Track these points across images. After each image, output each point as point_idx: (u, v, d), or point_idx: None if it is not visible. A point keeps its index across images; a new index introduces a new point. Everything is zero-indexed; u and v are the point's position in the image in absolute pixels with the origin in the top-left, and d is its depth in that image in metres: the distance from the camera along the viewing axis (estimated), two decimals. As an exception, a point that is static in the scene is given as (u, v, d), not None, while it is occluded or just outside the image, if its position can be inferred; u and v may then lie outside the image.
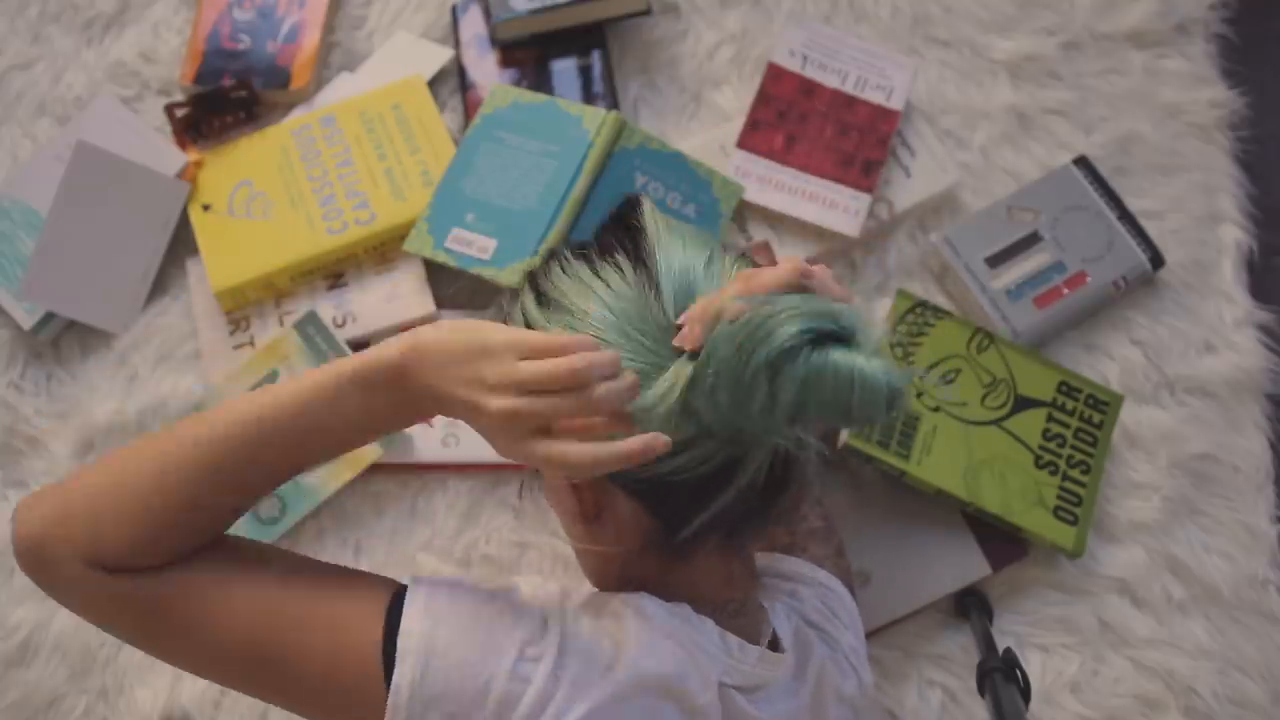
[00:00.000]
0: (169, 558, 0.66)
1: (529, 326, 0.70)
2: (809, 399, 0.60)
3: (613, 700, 0.64)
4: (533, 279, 0.73)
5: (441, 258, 1.07)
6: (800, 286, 0.65)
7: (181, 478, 0.66)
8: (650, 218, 0.71)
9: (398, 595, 0.66)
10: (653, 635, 0.67)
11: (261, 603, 0.66)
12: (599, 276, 0.69)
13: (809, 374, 0.59)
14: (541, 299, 0.71)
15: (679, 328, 0.65)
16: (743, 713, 0.70)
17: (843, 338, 0.61)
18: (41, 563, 0.66)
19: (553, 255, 0.73)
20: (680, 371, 0.64)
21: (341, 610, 0.66)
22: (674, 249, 0.69)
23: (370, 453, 1.05)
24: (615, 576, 0.74)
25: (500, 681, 0.62)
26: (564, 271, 0.71)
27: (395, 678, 0.62)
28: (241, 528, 1.05)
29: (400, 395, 0.65)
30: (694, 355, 0.64)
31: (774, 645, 0.76)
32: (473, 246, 1.06)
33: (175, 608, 0.66)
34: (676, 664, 0.66)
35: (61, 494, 0.67)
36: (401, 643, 0.63)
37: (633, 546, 0.71)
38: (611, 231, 0.72)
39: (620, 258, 0.69)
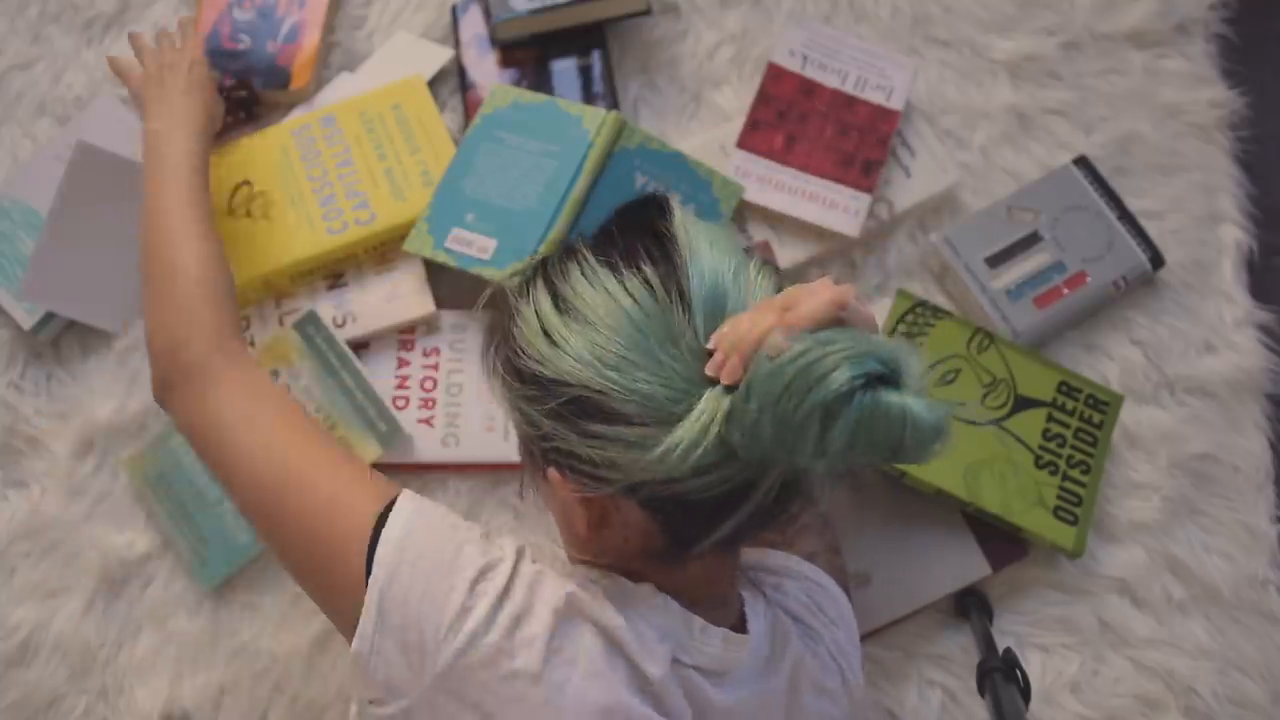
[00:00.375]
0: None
1: (544, 330, 0.67)
2: (860, 440, 0.60)
3: (564, 626, 0.68)
4: (547, 276, 0.70)
5: (441, 258, 1.07)
6: (837, 319, 0.64)
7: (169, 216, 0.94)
8: (681, 227, 0.69)
9: (391, 501, 0.74)
10: (606, 604, 0.70)
11: (293, 432, 0.80)
12: (625, 289, 0.66)
13: (863, 417, 0.59)
14: (560, 303, 0.68)
15: (709, 352, 0.64)
16: (703, 695, 0.70)
17: (892, 380, 0.61)
18: (164, 382, 0.87)
19: (571, 253, 0.70)
20: (717, 404, 0.63)
21: (349, 491, 0.75)
22: (704, 260, 0.67)
23: (370, 452, 1.05)
24: (601, 569, 0.74)
25: (457, 597, 0.68)
26: (585, 277, 0.68)
27: (371, 577, 0.70)
28: (242, 532, 1.05)
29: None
30: (730, 388, 0.63)
31: (743, 630, 0.76)
32: (473, 246, 1.06)
33: (234, 401, 0.82)
34: (614, 631, 0.69)
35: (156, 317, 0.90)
36: (380, 548, 0.70)
37: (633, 551, 0.71)
38: (636, 233, 0.69)
39: (647, 268, 0.66)
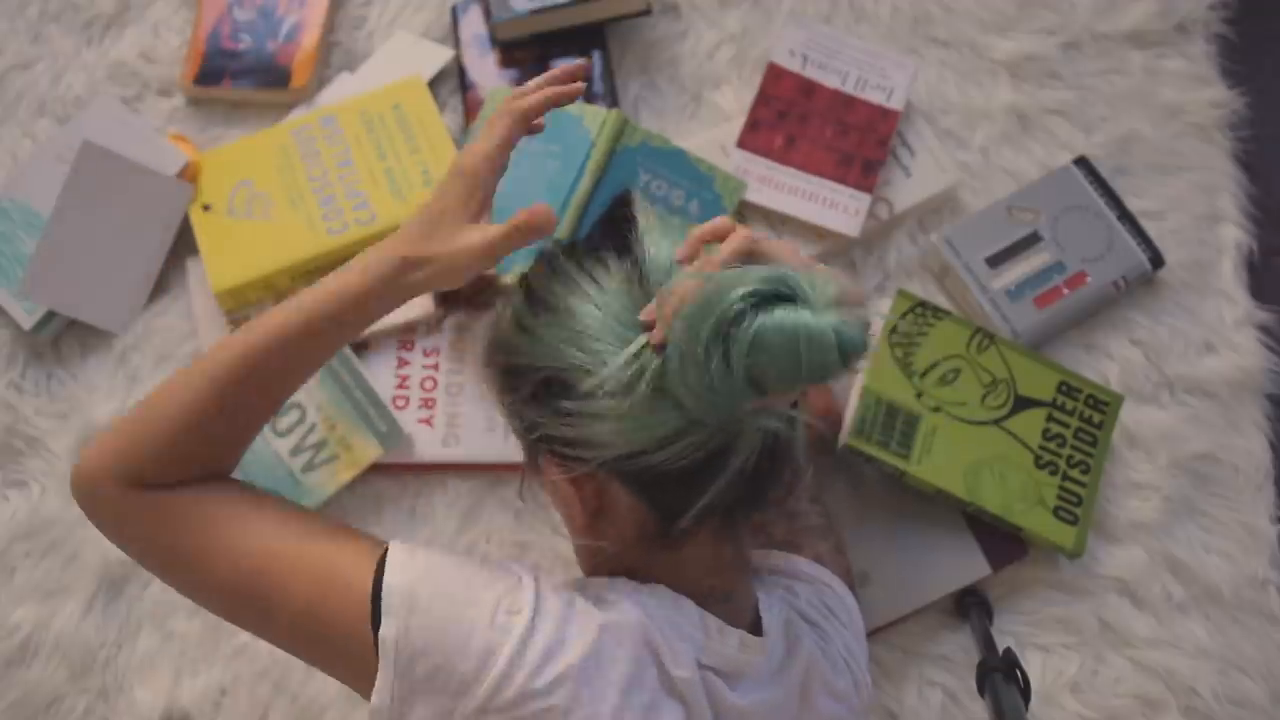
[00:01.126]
0: (194, 470, 0.73)
1: (520, 327, 0.72)
2: (761, 362, 0.61)
3: (595, 651, 0.66)
4: (525, 280, 0.74)
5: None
6: (748, 253, 0.67)
7: (213, 387, 0.73)
8: (639, 210, 0.72)
9: (383, 554, 0.70)
10: (629, 604, 0.69)
11: (264, 538, 0.71)
12: (587, 274, 0.70)
13: (756, 336, 0.60)
14: (531, 299, 0.72)
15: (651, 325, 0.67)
16: (721, 697, 0.70)
17: (788, 297, 0.61)
18: (87, 488, 0.73)
19: (543, 256, 0.74)
20: (646, 362, 0.65)
21: (334, 557, 0.70)
22: (660, 241, 0.70)
23: (370, 452, 1.05)
24: (607, 564, 0.75)
25: (481, 633, 0.65)
26: (554, 271, 0.72)
27: (381, 632, 0.65)
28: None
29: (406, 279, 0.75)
30: (663, 347, 0.65)
31: (758, 633, 0.76)
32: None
33: (193, 527, 0.71)
34: (650, 631, 0.68)
35: (111, 427, 0.74)
36: (385, 599, 0.66)
37: (630, 537, 0.72)
38: (604, 229, 0.73)
39: (608, 254, 0.70)
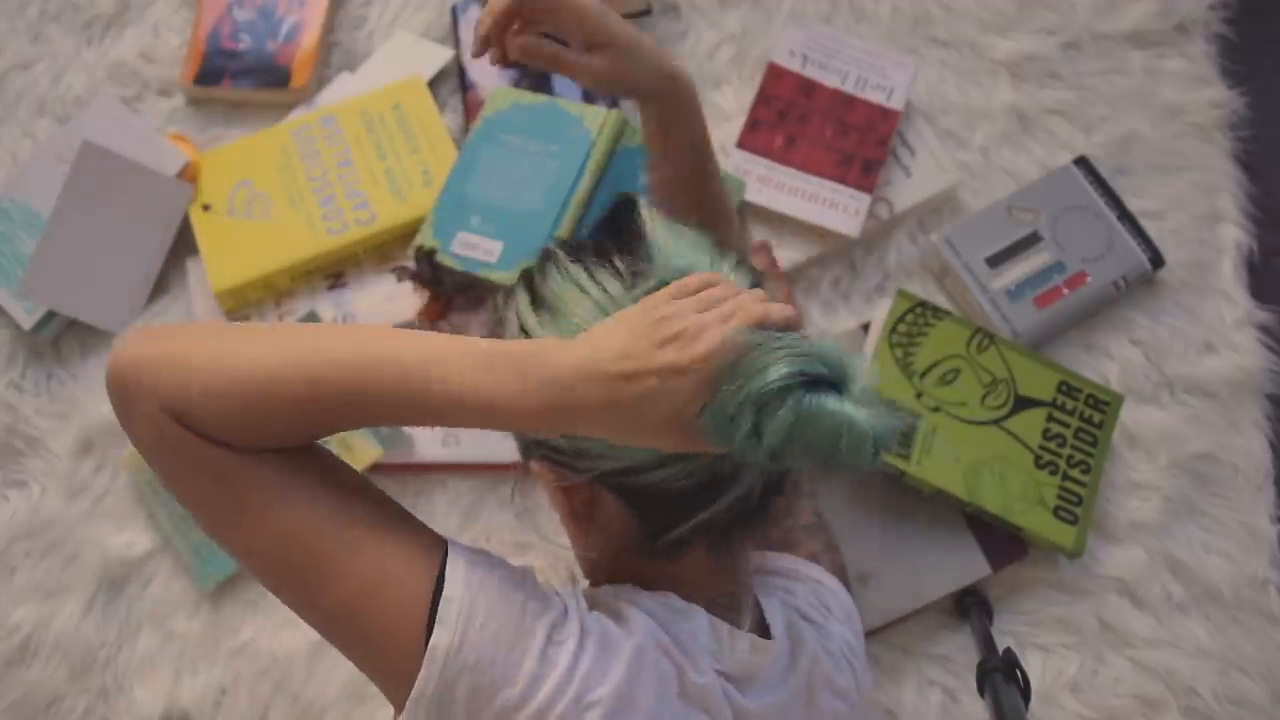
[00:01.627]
0: (243, 447, 0.65)
1: (523, 330, 0.70)
2: (795, 441, 0.59)
3: (628, 677, 0.65)
4: (529, 281, 0.72)
5: (448, 263, 1.07)
6: (785, 324, 0.64)
7: (296, 392, 0.63)
8: (647, 218, 0.71)
9: (443, 557, 0.66)
10: (644, 617, 0.68)
11: (317, 517, 0.65)
12: (595, 280, 0.68)
13: (798, 417, 0.58)
14: (536, 301, 0.70)
15: None
16: (735, 702, 0.70)
17: (835, 384, 0.59)
18: (124, 391, 0.64)
19: (548, 257, 0.72)
20: None
21: (391, 551, 0.66)
22: (673, 252, 0.69)
23: (370, 453, 1.05)
24: (607, 572, 0.75)
25: (531, 662, 0.64)
26: (560, 274, 0.70)
27: (434, 639, 0.63)
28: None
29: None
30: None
31: (764, 635, 0.76)
32: (478, 250, 1.06)
33: (237, 488, 0.65)
34: (667, 643, 0.68)
35: (169, 338, 0.65)
36: (442, 608, 0.64)
37: (616, 547, 0.72)
38: (608, 233, 0.72)
39: (618, 260, 0.68)
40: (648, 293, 0.66)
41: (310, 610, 0.67)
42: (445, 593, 0.64)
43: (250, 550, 0.66)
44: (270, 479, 0.65)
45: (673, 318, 0.61)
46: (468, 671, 0.63)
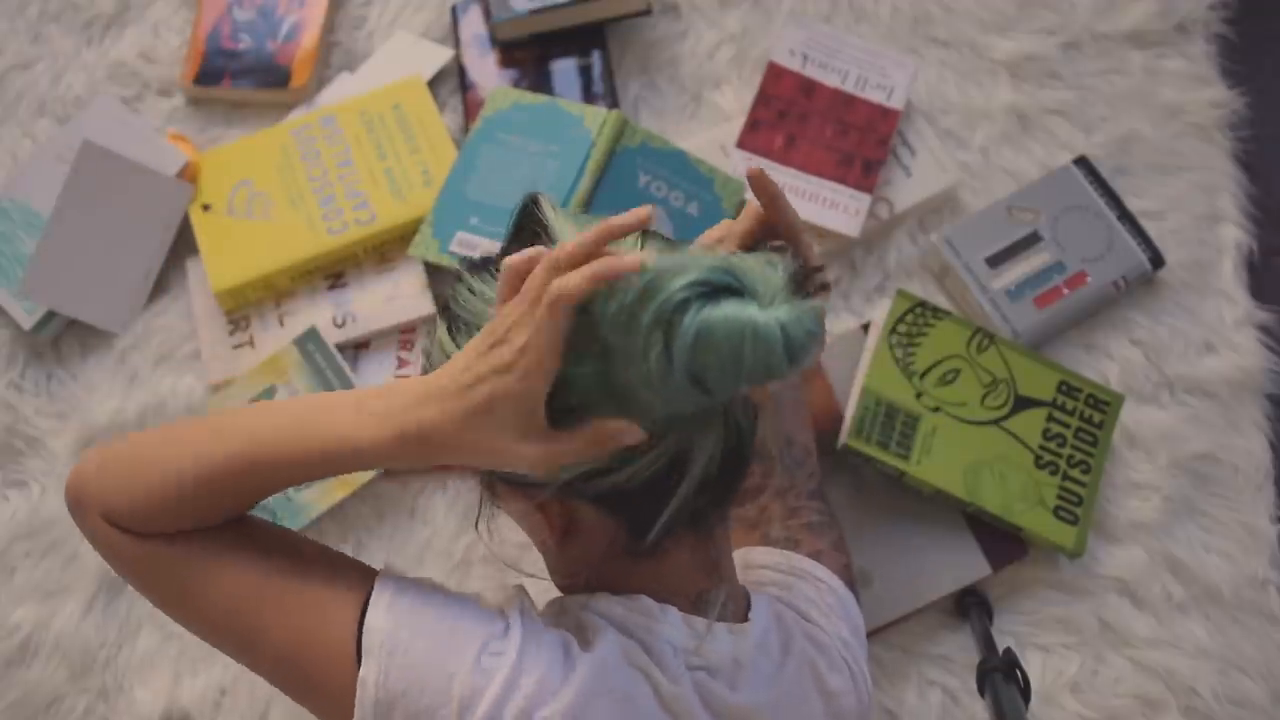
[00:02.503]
0: (174, 532, 0.70)
1: (444, 352, 0.68)
2: (703, 354, 0.56)
3: (582, 694, 0.64)
4: (445, 306, 0.71)
5: (446, 262, 1.07)
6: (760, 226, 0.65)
7: (209, 484, 0.68)
8: (548, 211, 0.68)
9: (369, 591, 0.68)
10: (611, 630, 0.68)
11: (246, 585, 0.69)
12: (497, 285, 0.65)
13: (700, 329, 0.56)
14: (450, 322, 0.69)
15: None
16: (721, 699, 0.70)
17: (735, 290, 0.57)
18: (75, 506, 0.71)
19: (459, 279, 0.70)
20: None
21: (320, 596, 0.68)
22: (568, 235, 0.66)
23: (362, 473, 1.04)
24: (584, 579, 0.74)
25: (462, 677, 0.64)
26: (471, 292, 0.68)
27: (361, 673, 0.64)
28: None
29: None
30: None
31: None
32: (478, 250, 1.06)
33: (177, 577, 0.69)
34: (635, 653, 0.67)
35: (111, 450, 0.71)
36: (365, 639, 0.65)
37: (603, 553, 0.71)
38: (516, 238, 0.70)
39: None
40: None
41: (259, 668, 0.70)
42: (367, 624, 0.65)
43: (200, 627, 0.70)
44: (201, 562, 0.69)
45: (501, 318, 0.61)
46: (400, 698, 0.63)
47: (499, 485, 0.71)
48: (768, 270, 0.59)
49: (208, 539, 0.70)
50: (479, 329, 0.65)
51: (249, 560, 0.69)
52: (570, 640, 0.68)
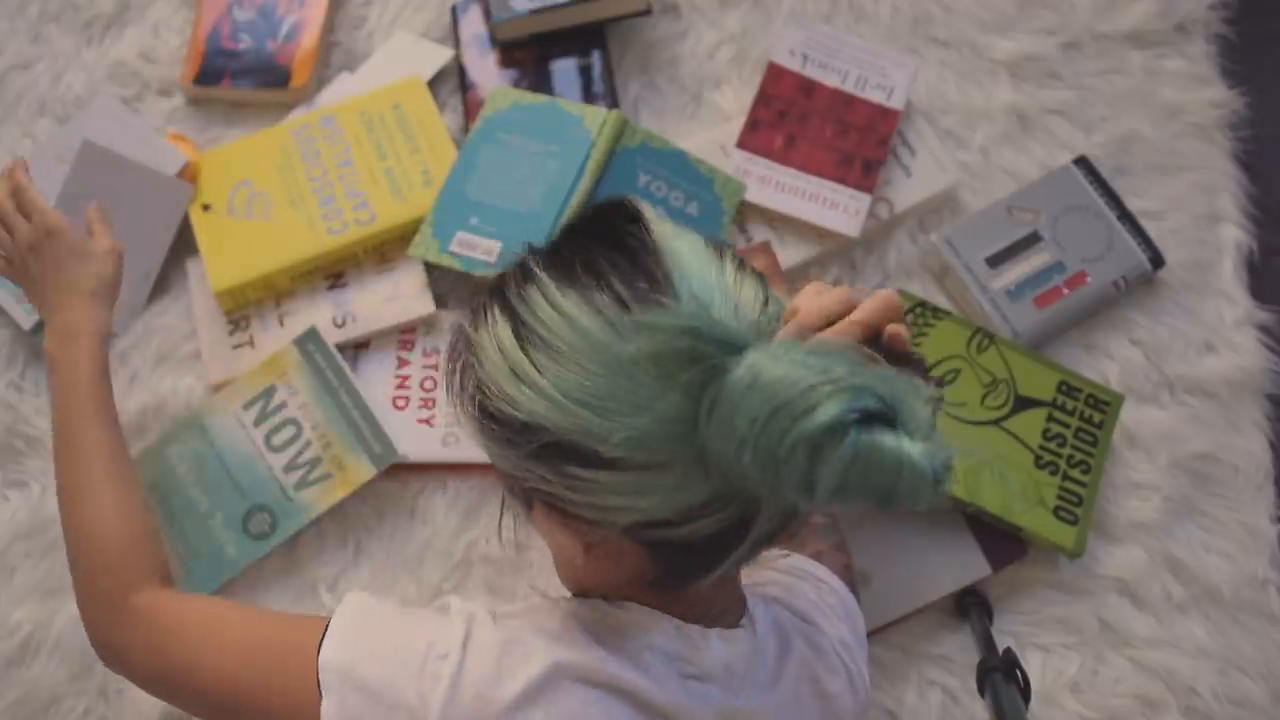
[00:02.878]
0: (141, 572, 0.85)
1: (510, 368, 0.62)
2: (851, 484, 0.54)
3: (542, 683, 0.66)
4: (503, 299, 0.64)
5: (447, 262, 1.07)
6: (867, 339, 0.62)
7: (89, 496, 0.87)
8: (660, 233, 0.62)
9: (325, 630, 0.72)
10: (594, 645, 0.68)
11: (214, 652, 0.77)
12: (596, 310, 0.59)
13: (855, 457, 0.53)
14: (521, 331, 0.62)
15: None
16: (718, 704, 0.70)
17: (890, 418, 0.55)
18: (103, 656, 0.85)
19: (526, 275, 0.63)
20: (685, 432, 0.58)
21: (283, 650, 0.73)
22: (688, 266, 0.60)
23: (363, 474, 1.04)
24: (592, 587, 0.73)
25: (412, 685, 0.66)
26: (546, 299, 0.61)
27: (323, 710, 0.68)
28: (231, 545, 1.05)
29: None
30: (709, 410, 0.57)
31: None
32: (477, 250, 1.06)
33: (148, 660, 0.80)
34: (613, 673, 0.67)
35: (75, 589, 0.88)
36: (322, 677, 0.68)
37: (628, 581, 0.70)
38: (602, 245, 0.62)
39: (618, 284, 0.60)
40: (656, 323, 0.57)
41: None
42: (320, 660, 0.69)
43: (186, 703, 0.79)
44: (175, 633, 0.80)
45: None
46: None
47: (537, 504, 0.66)
48: (917, 401, 0.56)
49: (170, 618, 0.81)
50: (554, 348, 0.60)
51: (210, 634, 0.77)
52: (530, 633, 0.68)
